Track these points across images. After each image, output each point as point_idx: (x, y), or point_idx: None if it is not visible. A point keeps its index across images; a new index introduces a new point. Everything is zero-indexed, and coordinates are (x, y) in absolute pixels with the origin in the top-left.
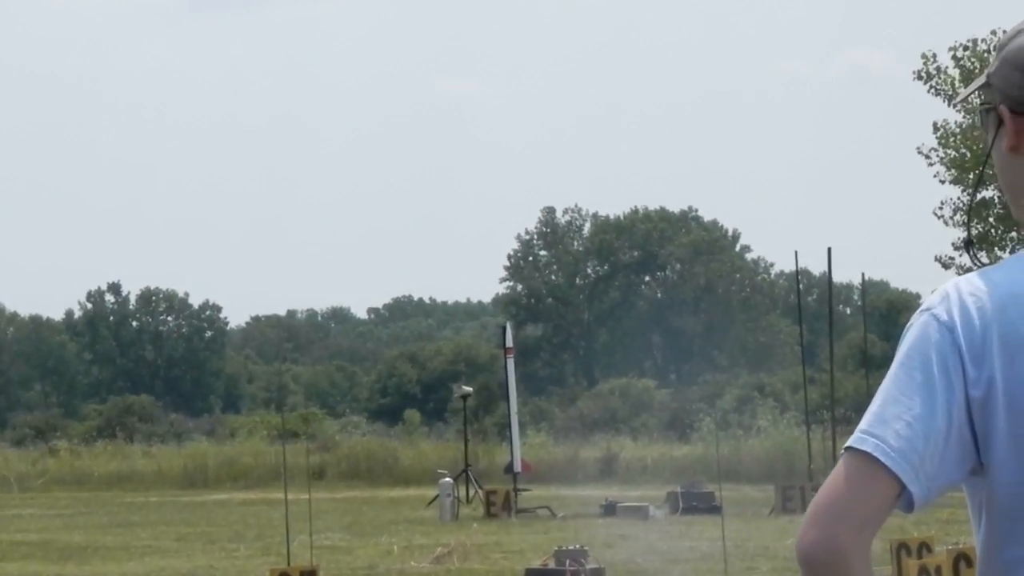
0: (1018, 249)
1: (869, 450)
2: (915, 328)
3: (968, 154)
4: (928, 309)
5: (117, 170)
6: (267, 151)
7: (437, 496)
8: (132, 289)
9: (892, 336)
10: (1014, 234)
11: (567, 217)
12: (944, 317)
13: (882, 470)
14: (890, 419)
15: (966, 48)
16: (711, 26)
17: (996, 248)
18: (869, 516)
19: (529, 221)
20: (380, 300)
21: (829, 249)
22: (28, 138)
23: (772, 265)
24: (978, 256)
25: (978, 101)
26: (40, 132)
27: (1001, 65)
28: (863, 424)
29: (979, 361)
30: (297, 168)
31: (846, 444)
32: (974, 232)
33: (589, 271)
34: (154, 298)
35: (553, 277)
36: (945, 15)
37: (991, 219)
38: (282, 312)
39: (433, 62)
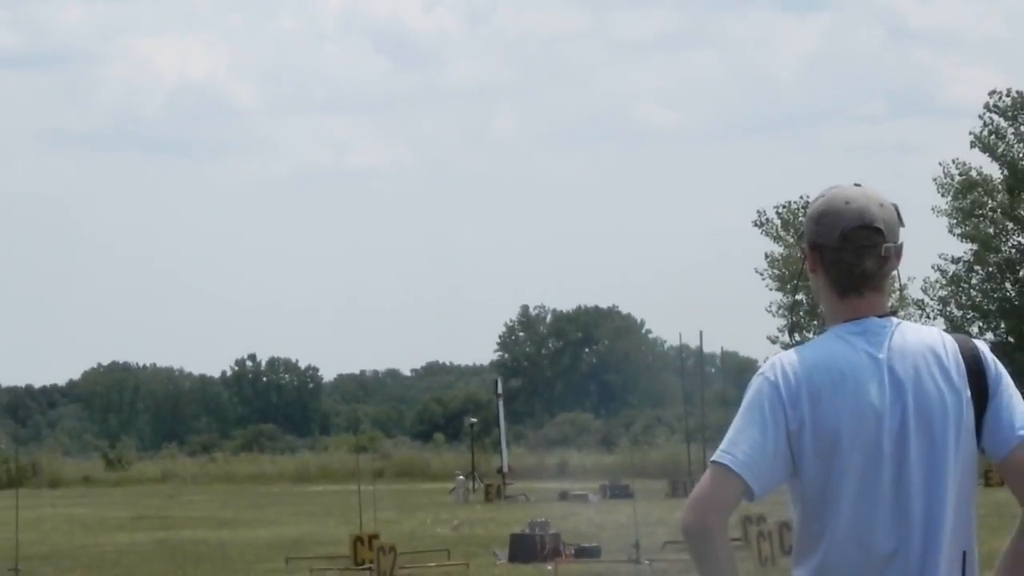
0: (819, 333)
1: (726, 462)
2: (754, 385)
3: (787, 272)
4: (762, 373)
5: (253, 258)
6: (338, 260)
7: (454, 487)
8: (263, 356)
9: (740, 386)
10: (815, 322)
11: (536, 311)
12: (772, 378)
13: (733, 475)
14: (739, 442)
15: (784, 207)
16: (629, 193)
17: (804, 331)
18: (726, 504)
19: (512, 312)
20: (419, 363)
21: (701, 332)
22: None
23: (666, 341)
24: (795, 337)
25: (799, 247)
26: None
27: (806, 219)
28: (722, 445)
29: (795, 405)
30: (367, 268)
31: (711, 458)
32: (794, 320)
33: (550, 345)
34: (276, 362)
35: (528, 349)
36: (770, 184)
37: (801, 313)
38: (356, 371)
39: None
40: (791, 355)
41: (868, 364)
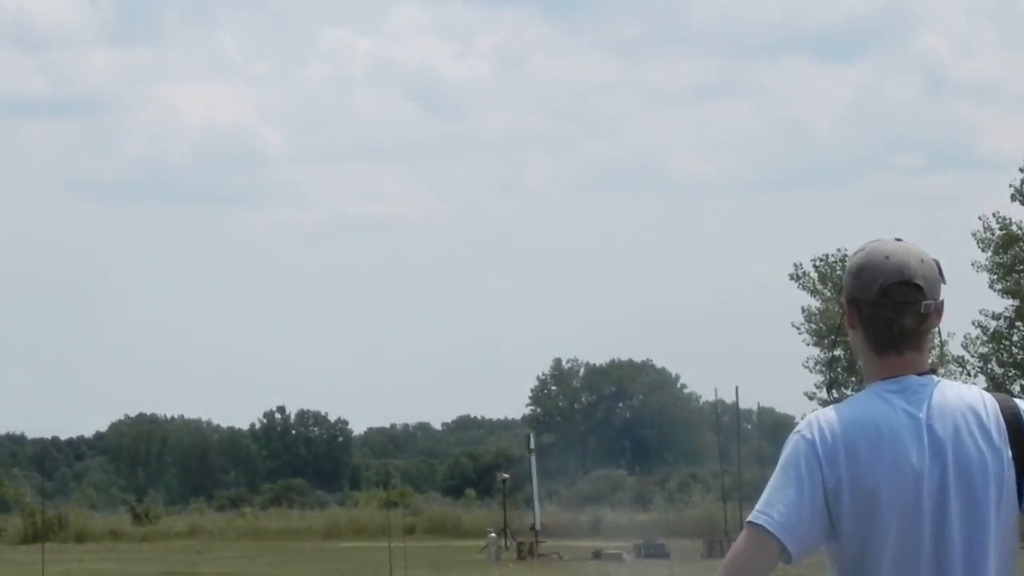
0: (857, 390)
1: (762, 523)
2: (790, 444)
3: (824, 327)
4: (799, 431)
5: (282, 308)
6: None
7: (486, 545)
8: (292, 409)
9: (777, 443)
10: (854, 379)
11: (569, 364)
12: (809, 436)
13: (770, 536)
14: (775, 503)
15: (821, 260)
16: (662, 245)
17: (843, 387)
18: (762, 567)
19: (545, 366)
20: (450, 416)
21: (736, 387)
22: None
23: (701, 396)
24: (833, 393)
25: (838, 301)
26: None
27: (845, 273)
28: (758, 506)
29: (832, 464)
30: (397, 319)
31: (747, 519)
32: (820, 379)
33: (584, 399)
34: (305, 415)
35: (560, 403)
36: (807, 236)
37: (839, 369)
38: (387, 424)
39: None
40: (828, 413)
41: (907, 423)
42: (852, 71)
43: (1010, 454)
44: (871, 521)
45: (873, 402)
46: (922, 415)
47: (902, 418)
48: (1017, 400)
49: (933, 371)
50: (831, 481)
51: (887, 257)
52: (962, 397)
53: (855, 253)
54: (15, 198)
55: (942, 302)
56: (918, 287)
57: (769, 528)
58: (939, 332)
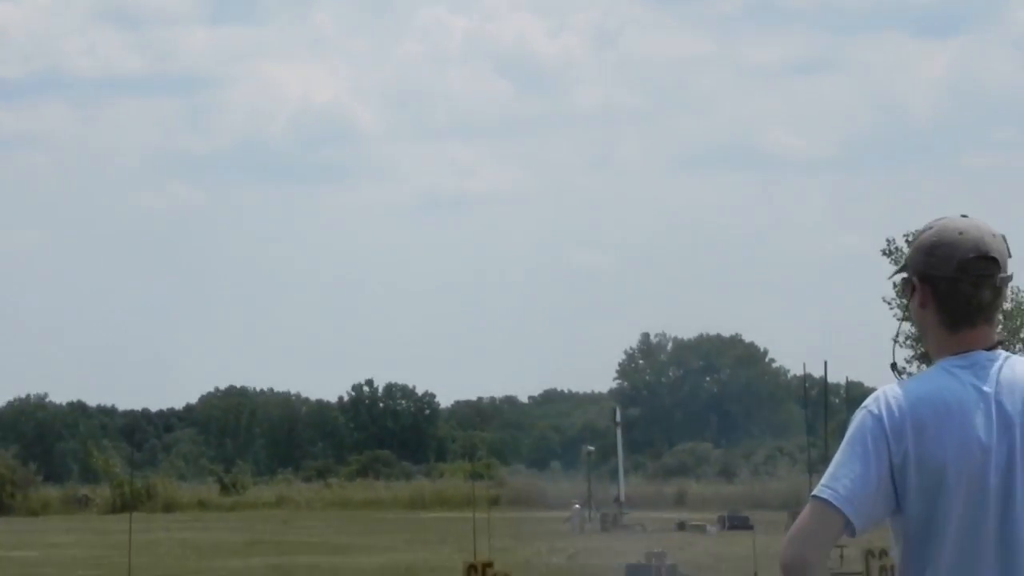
0: (923, 368)
1: (827, 497)
2: (857, 418)
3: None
4: (866, 406)
5: (373, 283)
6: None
7: (570, 516)
8: (380, 382)
9: None
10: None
11: (656, 339)
12: (876, 411)
13: (834, 509)
14: (840, 477)
15: (914, 235)
16: (754, 220)
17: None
18: (825, 540)
19: (632, 340)
20: (536, 390)
21: (825, 362)
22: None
23: (789, 371)
24: (902, 373)
25: (899, 277)
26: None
27: (914, 251)
28: (823, 480)
29: (898, 440)
30: (486, 294)
31: (813, 493)
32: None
33: (671, 373)
34: (393, 388)
35: (647, 377)
36: (900, 212)
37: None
38: (473, 398)
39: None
40: (895, 388)
41: (975, 398)
42: (948, 46)
43: None
44: (937, 497)
45: (942, 377)
46: (990, 390)
47: (971, 393)
48: None
49: (1001, 343)
50: (897, 456)
51: (961, 233)
52: None
53: (923, 232)
54: (115, 174)
55: (1011, 276)
56: (994, 260)
57: (834, 502)
58: (1016, 307)
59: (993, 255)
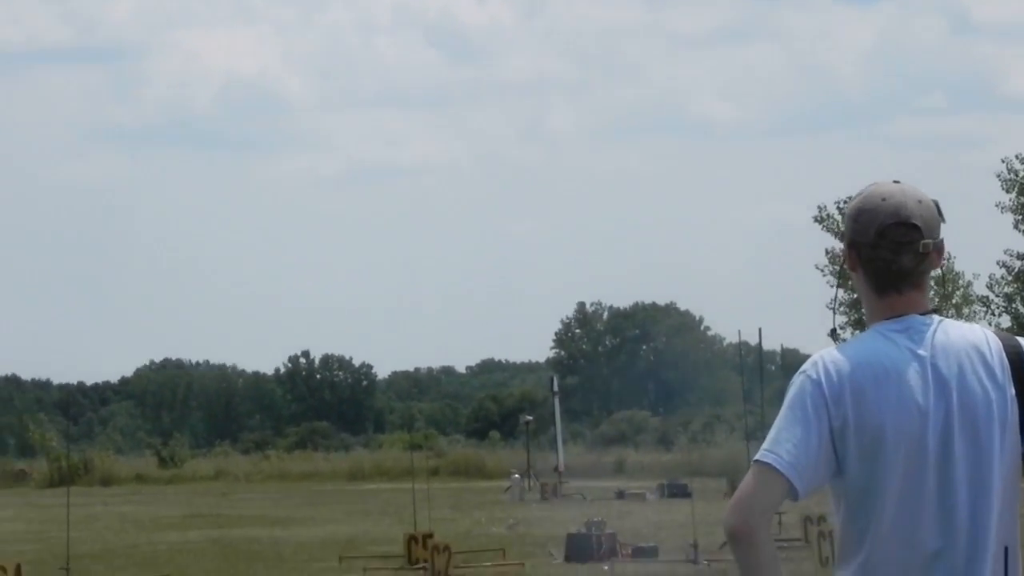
0: (858, 332)
1: (769, 461)
2: (796, 384)
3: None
4: (804, 371)
5: (306, 254)
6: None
7: (510, 486)
8: (317, 354)
9: None
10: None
11: (593, 308)
12: (814, 376)
13: (777, 474)
14: (782, 441)
15: (845, 202)
16: (686, 189)
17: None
18: (770, 505)
19: (569, 309)
20: (474, 360)
21: (760, 329)
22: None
23: (724, 338)
24: (838, 339)
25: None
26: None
27: (845, 218)
28: (765, 445)
29: (837, 403)
30: (421, 264)
31: (755, 458)
32: (844, 320)
33: (607, 342)
34: (329, 359)
35: (584, 346)
36: (831, 179)
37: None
38: (411, 368)
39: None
40: (833, 352)
41: (911, 362)
42: (875, 13)
43: (1013, 392)
44: (876, 459)
45: (878, 341)
46: (926, 353)
47: (906, 357)
48: (1020, 339)
49: (936, 311)
50: (837, 420)
51: (884, 199)
52: (965, 336)
53: (855, 197)
54: (39, 145)
55: (941, 241)
56: (915, 227)
57: (777, 466)
58: (948, 273)
59: (914, 221)
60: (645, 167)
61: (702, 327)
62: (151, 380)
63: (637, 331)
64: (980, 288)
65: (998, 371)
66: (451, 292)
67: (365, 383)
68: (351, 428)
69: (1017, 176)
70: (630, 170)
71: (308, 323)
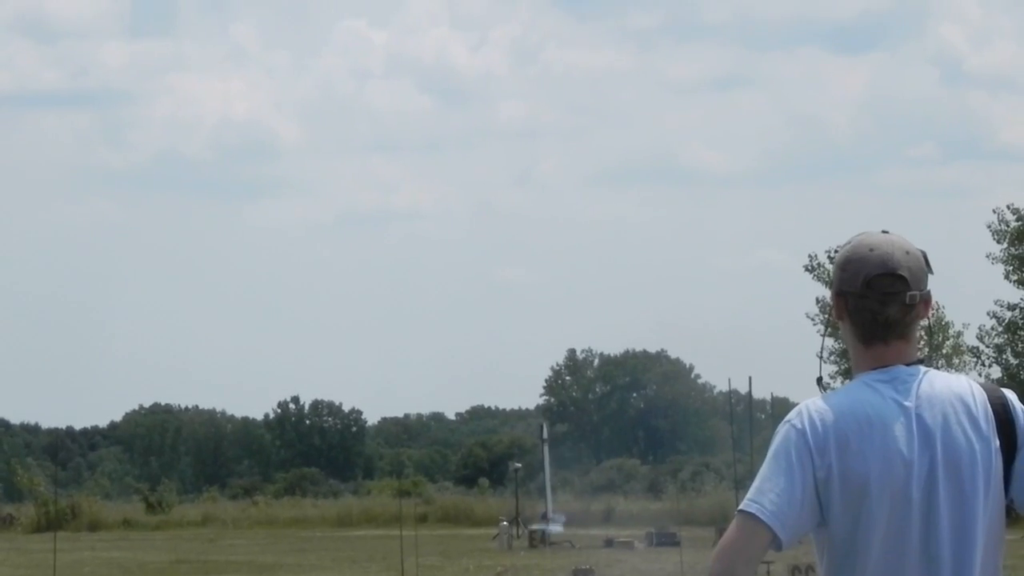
0: (847, 382)
1: (753, 511)
2: (781, 433)
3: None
4: (789, 420)
5: (297, 300)
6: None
7: (498, 533)
8: (306, 399)
9: None
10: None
11: (583, 355)
12: (799, 426)
13: (761, 524)
14: (766, 491)
15: (835, 251)
16: (677, 236)
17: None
18: (753, 555)
19: (559, 356)
20: (463, 407)
21: (750, 377)
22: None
23: (715, 387)
24: (826, 388)
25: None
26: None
27: (833, 267)
28: (749, 495)
29: (822, 453)
30: (412, 311)
31: (739, 508)
32: (834, 369)
33: (597, 389)
34: (319, 405)
35: (574, 393)
36: (821, 227)
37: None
38: (400, 415)
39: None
40: (818, 402)
41: (896, 412)
42: (866, 63)
43: (997, 443)
44: (861, 509)
45: (863, 391)
46: (911, 404)
47: (891, 407)
48: (1005, 391)
49: (921, 362)
50: (821, 470)
51: (871, 249)
52: (950, 387)
53: (843, 247)
54: (30, 189)
55: (929, 292)
56: (902, 278)
57: (760, 516)
58: (937, 323)
59: (901, 272)
60: (636, 214)
61: (692, 375)
62: (140, 425)
63: (627, 379)
64: (970, 339)
65: (983, 422)
66: (441, 338)
67: (354, 429)
68: (340, 474)
69: (1008, 227)
70: (621, 217)
71: (298, 369)
